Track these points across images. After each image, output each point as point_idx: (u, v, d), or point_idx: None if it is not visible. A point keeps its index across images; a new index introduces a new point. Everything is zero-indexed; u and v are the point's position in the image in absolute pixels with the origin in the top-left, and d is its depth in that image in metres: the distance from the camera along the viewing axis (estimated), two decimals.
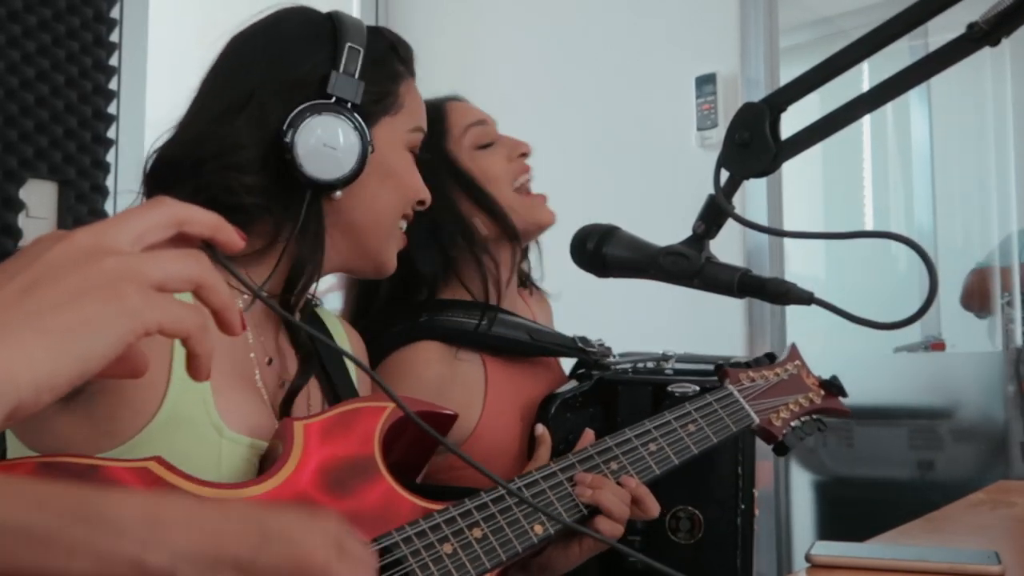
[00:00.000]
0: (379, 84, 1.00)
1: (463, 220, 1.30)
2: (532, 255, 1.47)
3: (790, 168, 1.06)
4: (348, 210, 0.99)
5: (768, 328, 2.40)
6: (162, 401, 0.84)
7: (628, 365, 1.32)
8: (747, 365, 1.20)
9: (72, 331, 0.48)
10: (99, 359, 0.49)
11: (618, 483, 0.98)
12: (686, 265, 0.98)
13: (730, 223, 0.97)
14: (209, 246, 0.58)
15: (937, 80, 0.85)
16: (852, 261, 3.42)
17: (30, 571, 0.57)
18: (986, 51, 0.80)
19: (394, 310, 1.30)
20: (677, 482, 1.05)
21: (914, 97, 3.33)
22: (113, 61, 2.14)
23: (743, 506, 1.23)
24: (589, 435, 1.10)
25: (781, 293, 0.94)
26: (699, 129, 2.52)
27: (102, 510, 0.58)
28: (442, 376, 1.23)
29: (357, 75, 0.97)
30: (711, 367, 1.27)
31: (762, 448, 1.22)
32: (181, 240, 0.56)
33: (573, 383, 1.33)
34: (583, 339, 1.36)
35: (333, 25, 0.99)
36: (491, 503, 0.87)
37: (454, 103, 1.37)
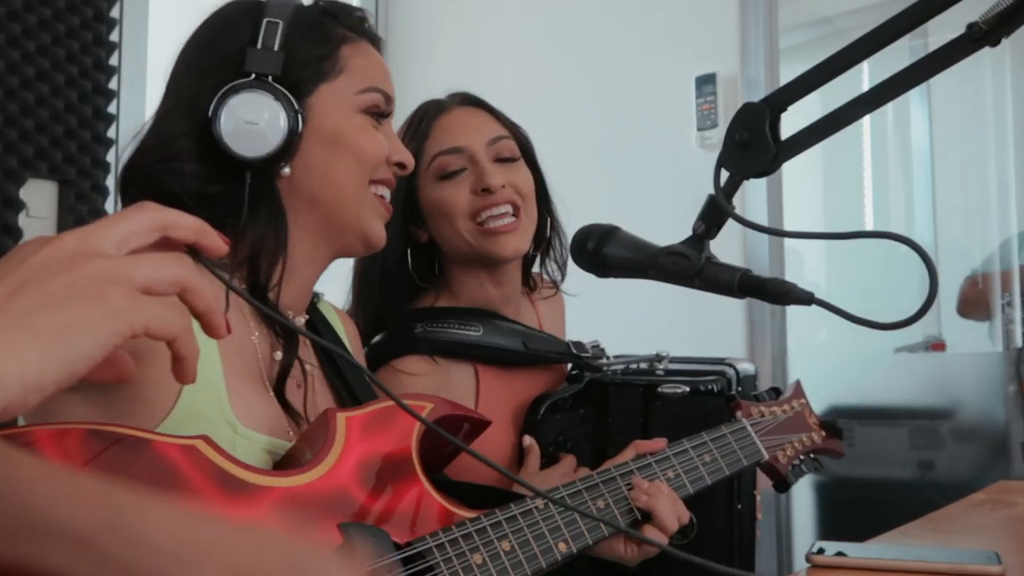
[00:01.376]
0: (310, 51, 0.98)
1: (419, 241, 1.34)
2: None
3: (790, 168, 1.06)
4: (304, 185, 0.98)
5: (768, 328, 2.40)
6: (177, 398, 0.84)
7: (620, 366, 1.32)
8: (757, 399, 1.22)
9: (60, 332, 0.48)
10: (87, 360, 0.49)
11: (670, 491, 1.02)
12: (686, 265, 0.97)
13: (730, 223, 0.97)
14: (193, 251, 0.58)
15: (937, 80, 0.85)
16: (852, 261, 3.42)
17: (59, 571, 0.57)
18: (986, 51, 0.80)
19: (392, 316, 1.30)
20: None
21: (914, 97, 3.33)
22: (113, 61, 2.14)
23: (739, 506, 1.23)
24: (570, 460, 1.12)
25: (781, 293, 0.94)
26: (699, 129, 2.52)
27: (139, 524, 0.58)
28: (429, 389, 1.23)
29: (277, 47, 0.95)
30: (702, 367, 1.28)
31: None
32: (165, 244, 0.56)
33: (564, 384, 1.33)
34: (577, 344, 1.36)
35: (257, 6, 0.99)
36: (520, 516, 0.89)
37: (442, 120, 1.33)
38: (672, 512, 1.00)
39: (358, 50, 1.02)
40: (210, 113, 0.92)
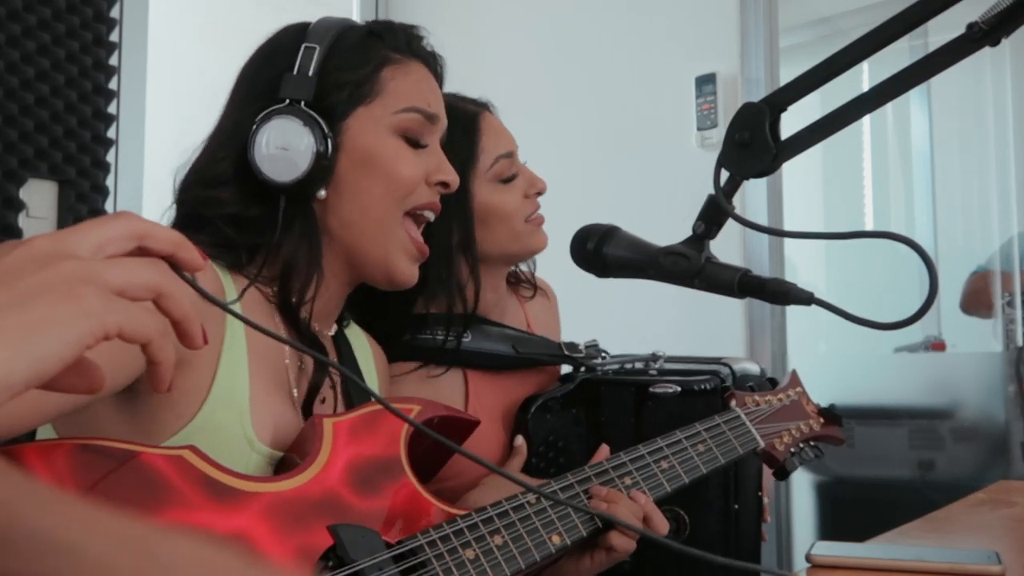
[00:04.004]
0: (346, 75, 0.98)
1: (449, 248, 1.27)
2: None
3: (790, 168, 1.06)
4: (337, 209, 0.98)
5: (768, 328, 2.40)
6: (200, 407, 0.85)
7: (615, 366, 1.32)
8: (752, 389, 1.21)
9: (29, 330, 0.47)
10: (57, 359, 0.47)
11: (629, 498, 1.00)
12: (686, 265, 0.97)
13: (730, 223, 0.97)
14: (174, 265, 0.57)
15: (937, 80, 0.85)
16: (852, 261, 3.42)
17: None
18: (986, 51, 0.80)
19: (381, 322, 1.28)
20: None
21: (914, 97, 3.33)
22: (113, 61, 2.14)
23: (736, 507, 1.22)
24: (604, 450, 1.10)
25: (781, 293, 0.94)
26: (699, 129, 2.51)
27: (159, 547, 0.59)
28: (419, 395, 1.23)
29: (312, 72, 0.96)
30: (695, 367, 1.28)
31: None
32: (142, 254, 0.55)
33: (556, 384, 1.33)
34: (570, 344, 1.35)
35: (301, 32, 1.00)
36: (511, 511, 0.89)
37: (491, 121, 1.31)
38: (631, 516, 0.98)
39: (400, 71, 1.02)
40: (248, 140, 0.95)
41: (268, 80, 0.98)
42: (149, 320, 0.51)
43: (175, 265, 0.56)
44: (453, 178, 1.04)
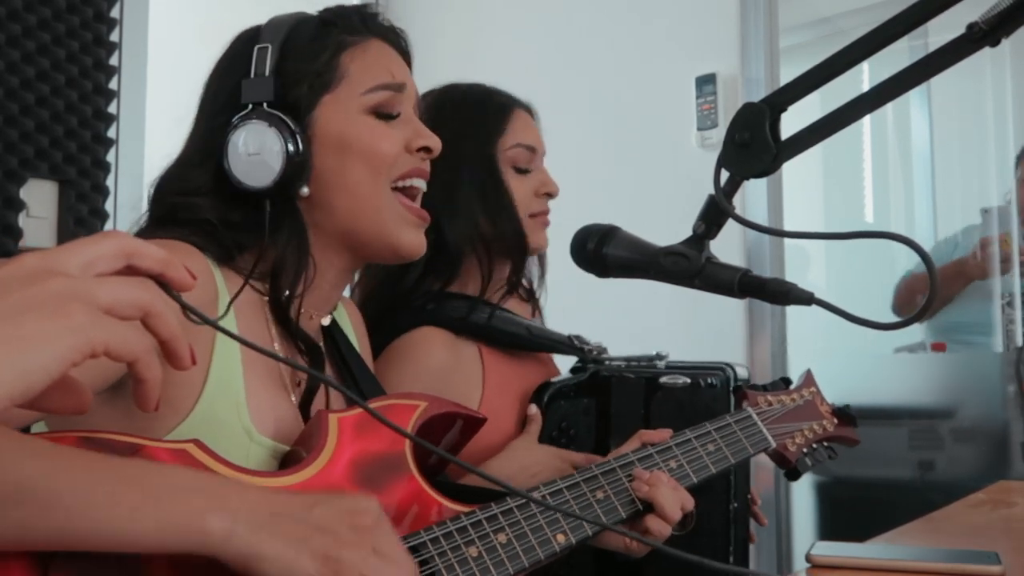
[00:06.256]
0: (304, 68, 0.98)
1: (473, 218, 1.33)
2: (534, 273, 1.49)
3: (790, 168, 1.06)
4: (325, 201, 0.98)
5: (768, 328, 2.40)
6: (197, 401, 0.85)
7: (622, 363, 1.34)
8: (765, 388, 1.22)
9: (15, 344, 0.47)
10: (43, 374, 0.48)
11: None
12: (686, 265, 0.97)
13: (730, 223, 0.97)
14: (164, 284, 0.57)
15: (937, 80, 0.85)
16: (852, 261, 3.42)
17: (91, 533, 0.60)
18: (986, 51, 0.80)
19: (402, 297, 1.32)
20: None
21: (914, 97, 3.33)
22: (113, 61, 2.14)
23: (735, 505, 1.23)
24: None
25: (781, 293, 0.94)
26: (699, 129, 2.52)
27: (160, 479, 0.63)
28: (445, 362, 1.26)
29: (268, 72, 0.96)
30: (701, 364, 1.29)
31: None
32: (131, 273, 0.55)
33: (568, 375, 1.35)
34: (578, 337, 1.38)
35: (253, 35, 1.00)
36: (516, 509, 0.88)
37: (522, 114, 1.40)
38: (675, 501, 0.99)
39: (359, 51, 1.01)
40: (220, 149, 0.94)
41: (230, 89, 0.98)
42: (136, 338, 0.51)
43: (164, 284, 0.56)
44: (434, 142, 1.04)
